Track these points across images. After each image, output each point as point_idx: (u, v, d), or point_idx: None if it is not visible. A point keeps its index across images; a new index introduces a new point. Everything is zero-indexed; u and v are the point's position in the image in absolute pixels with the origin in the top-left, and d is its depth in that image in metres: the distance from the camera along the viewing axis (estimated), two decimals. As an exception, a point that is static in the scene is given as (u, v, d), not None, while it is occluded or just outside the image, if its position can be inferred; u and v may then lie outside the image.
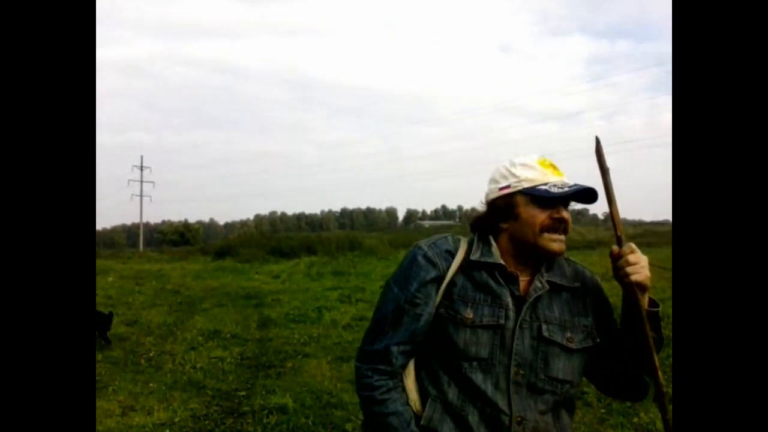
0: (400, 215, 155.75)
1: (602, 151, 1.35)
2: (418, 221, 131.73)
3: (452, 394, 1.35)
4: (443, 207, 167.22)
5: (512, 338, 1.34)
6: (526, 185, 1.37)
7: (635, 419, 4.19)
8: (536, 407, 1.35)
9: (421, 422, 1.35)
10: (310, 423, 3.95)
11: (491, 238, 1.42)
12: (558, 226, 1.36)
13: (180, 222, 76.32)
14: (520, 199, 1.38)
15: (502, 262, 1.38)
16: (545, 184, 1.36)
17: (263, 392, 4.66)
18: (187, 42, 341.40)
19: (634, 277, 1.31)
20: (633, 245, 1.34)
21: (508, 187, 1.39)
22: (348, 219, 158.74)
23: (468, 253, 1.40)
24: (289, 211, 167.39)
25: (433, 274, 1.37)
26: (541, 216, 1.35)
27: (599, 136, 1.37)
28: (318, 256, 18.50)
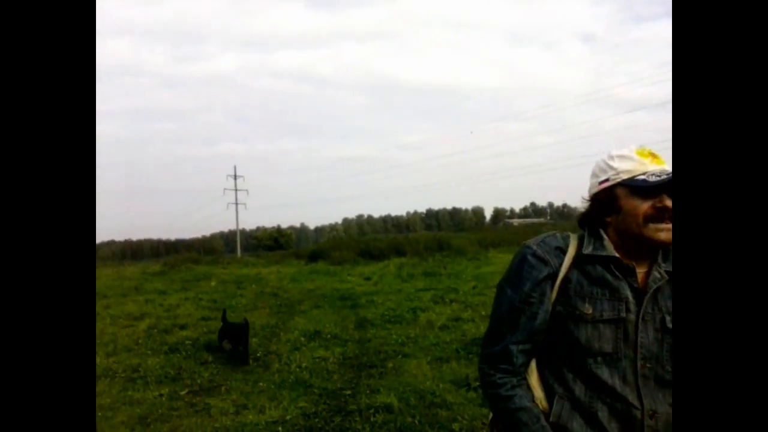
0: (488, 214, 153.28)
1: None
2: (507, 219, 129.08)
3: (579, 390, 1.34)
4: (532, 204, 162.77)
5: (636, 331, 1.32)
6: (624, 176, 1.34)
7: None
8: (666, 400, 1.32)
9: (550, 419, 1.35)
10: (416, 422, 3.97)
11: (602, 231, 1.39)
12: (662, 215, 1.30)
13: (273, 227, 79.64)
14: (620, 191, 1.35)
15: (617, 254, 1.35)
16: (644, 173, 1.31)
17: (367, 391, 4.74)
18: (270, 53, 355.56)
19: None
20: None
21: (607, 180, 1.37)
22: (434, 220, 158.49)
23: (579, 248, 1.38)
24: (376, 214, 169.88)
25: (545, 271, 1.37)
26: (643, 206, 1.31)
27: None
28: (407, 258, 18.59)
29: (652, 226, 1.31)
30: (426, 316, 8.06)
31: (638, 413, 1.30)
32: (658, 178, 1.29)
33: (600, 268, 1.36)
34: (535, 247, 1.40)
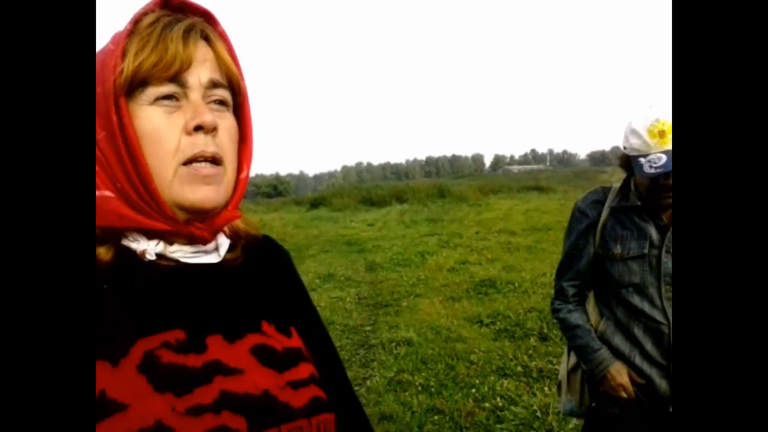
0: (487, 161, 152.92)
1: None
2: (506, 166, 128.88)
3: (620, 313, 1.62)
4: (533, 151, 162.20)
5: (659, 262, 1.55)
6: (632, 153, 1.54)
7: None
8: None
9: (598, 335, 1.66)
10: (437, 354, 4.25)
11: (632, 182, 1.61)
12: (662, 193, 1.52)
13: (272, 175, 79.51)
14: (633, 160, 1.55)
15: (638, 203, 1.58)
16: (646, 156, 1.49)
17: (387, 327, 5.02)
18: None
19: None
20: None
21: (625, 148, 1.57)
22: (434, 167, 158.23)
23: (621, 193, 1.63)
24: (375, 161, 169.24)
25: (585, 222, 1.65)
26: (645, 182, 1.55)
27: None
28: (408, 205, 18.81)
29: (656, 193, 1.56)
30: (434, 259, 8.32)
31: (665, 328, 1.55)
32: (651, 170, 1.46)
33: (631, 212, 1.61)
34: (579, 204, 1.70)
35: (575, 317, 1.70)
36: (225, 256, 0.69)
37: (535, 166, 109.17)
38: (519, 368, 3.92)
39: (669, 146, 1.48)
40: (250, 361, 0.63)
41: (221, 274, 0.68)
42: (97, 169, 0.61)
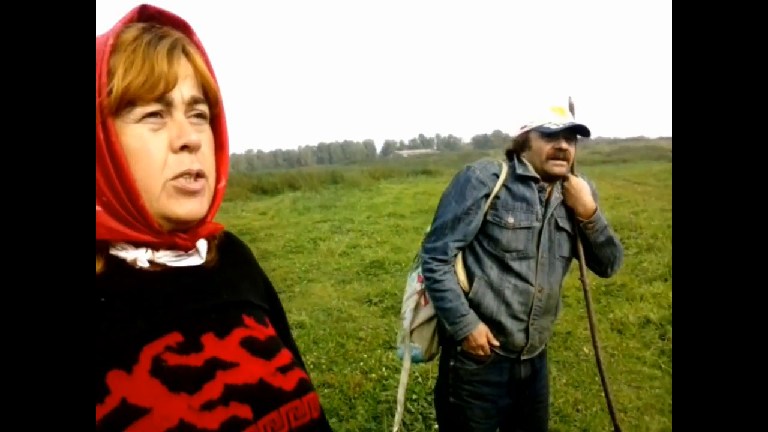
0: (378, 147, 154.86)
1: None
2: (396, 151, 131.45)
3: (494, 274, 1.86)
4: (420, 136, 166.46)
5: (539, 234, 1.85)
6: (535, 125, 1.84)
7: (610, 315, 4.79)
8: (550, 280, 1.89)
9: (469, 295, 1.87)
10: (328, 334, 4.47)
11: (525, 160, 1.89)
12: (559, 154, 1.81)
13: (155, 165, 74.82)
14: (532, 134, 1.86)
15: (537, 176, 1.86)
16: (549, 122, 1.82)
17: (279, 313, 5.13)
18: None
19: (568, 201, 1.88)
20: (572, 177, 1.88)
21: (525, 126, 1.87)
22: (326, 153, 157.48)
23: (509, 173, 1.88)
24: (266, 149, 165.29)
25: (483, 191, 1.84)
26: (546, 147, 1.82)
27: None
28: (301, 192, 18.78)
29: (551, 162, 1.81)
30: (326, 245, 8.51)
31: (532, 289, 1.86)
32: (557, 126, 1.79)
33: (522, 187, 1.86)
34: (478, 172, 1.87)
35: (449, 279, 1.84)
36: (206, 257, 0.73)
37: (423, 151, 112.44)
38: (404, 341, 4.24)
39: (566, 119, 1.82)
40: (241, 353, 0.68)
41: (204, 274, 0.72)
42: None
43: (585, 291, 2.07)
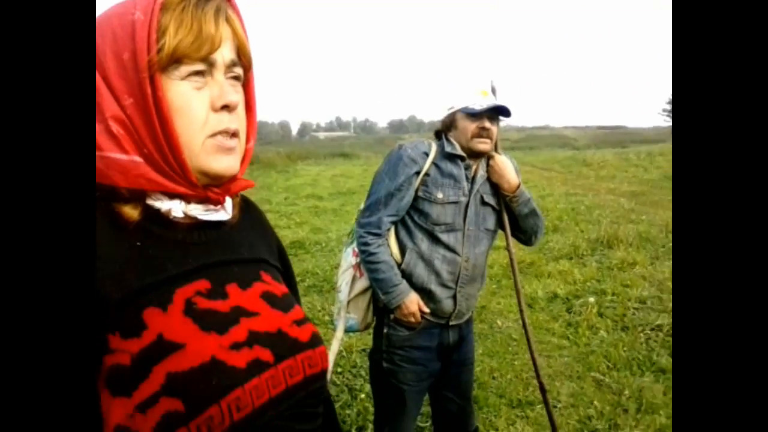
0: (294, 128, 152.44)
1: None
2: (313, 133, 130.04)
3: (425, 246, 1.97)
4: (338, 119, 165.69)
5: (466, 208, 1.97)
6: (461, 105, 1.95)
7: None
8: (475, 250, 2.01)
9: (402, 266, 1.97)
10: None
11: (452, 139, 1.99)
12: (483, 133, 1.93)
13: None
14: (458, 115, 1.97)
15: (463, 154, 1.96)
16: (474, 103, 1.93)
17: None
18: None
19: (492, 177, 2.02)
20: (496, 155, 2.02)
21: (452, 107, 1.98)
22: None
23: (438, 152, 1.98)
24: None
25: (415, 169, 1.94)
26: (471, 126, 1.94)
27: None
28: (216, 172, 18.18)
29: (476, 140, 1.92)
30: (243, 225, 8.32)
31: (459, 258, 1.97)
32: (481, 107, 1.91)
33: (450, 164, 1.96)
34: (410, 151, 1.97)
35: (383, 252, 1.94)
36: (231, 214, 0.77)
37: (340, 133, 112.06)
38: (327, 317, 4.28)
39: (490, 100, 1.93)
40: (262, 305, 0.73)
41: (227, 230, 0.77)
42: (122, 133, 0.65)
43: (511, 260, 2.20)
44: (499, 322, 4.38)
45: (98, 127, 0.65)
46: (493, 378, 3.44)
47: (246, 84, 0.76)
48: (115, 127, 0.65)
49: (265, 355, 0.68)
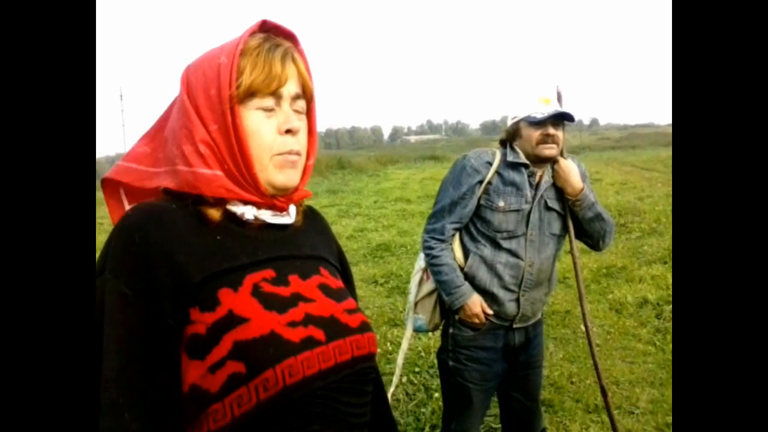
0: (386, 132, 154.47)
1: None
2: (404, 137, 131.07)
3: (487, 251, 2.06)
4: (428, 122, 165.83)
5: (529, 214, 2.04)
6: (524, 114, 2.03)
7: (609, 296, 4.94)
8: (540, 256, 2.07)
9: (464, 270, 2.07)
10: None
11: (516, 148, 2.07)
12: (547, 139, 1.99)
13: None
14: (522, 124, 2.05)
15: (527, 162, 2.04)
16: (536, 112, 2.01)
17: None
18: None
19: (557, 182, 2.06)
20: (561, 160, 2.05)
21: (516, 117, 2.07)
22: (333, 138, 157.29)
23: (501, 160, 2.07)
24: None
25: (478, 178, 2.04)
26: (535, 134, 2.01)
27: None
28: (310, 177, 18.91)
29: (541, 146, 1.98)
30: (334, 229, 8.47)
31: (522, 263, 2.04)
32: (542, 115, 1.98)
33: (513, 173, 2.04)
34: (473, 161, 2.06)
35: (446, 255, 2.05)
36: (295, 218, 0.92)
37: (431, 136, 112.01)
38: (408, 318, 4.42)
39: (552, 107, 2.00)
40: (318, 293, 0.85)
41: (292, 231, 0.91)
42: (208, 153, 0.81)
43: (574, 263, 2.22)
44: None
45: (189, 149, 0.82)
46: (572, 383, 3.41)
47: (309, 112, 0.91)
48: (203, 148, 0.81)
49: (318, 334, 0.79)
